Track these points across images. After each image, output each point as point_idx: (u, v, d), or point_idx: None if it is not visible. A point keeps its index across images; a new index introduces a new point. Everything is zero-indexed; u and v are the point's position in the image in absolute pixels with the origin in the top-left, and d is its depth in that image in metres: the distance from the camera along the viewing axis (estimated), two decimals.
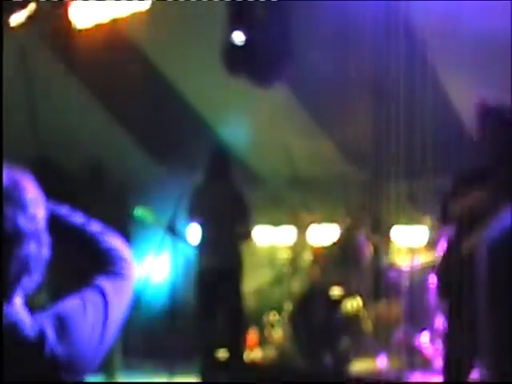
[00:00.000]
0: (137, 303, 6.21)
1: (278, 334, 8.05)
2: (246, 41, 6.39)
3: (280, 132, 8.52)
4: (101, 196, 7.94)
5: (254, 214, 7.14)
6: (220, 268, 6.69)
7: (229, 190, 6.95)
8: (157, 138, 9.36)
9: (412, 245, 7.39)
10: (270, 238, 8.74)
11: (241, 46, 6.42)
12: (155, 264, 6.11)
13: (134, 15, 7.44)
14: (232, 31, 6.46)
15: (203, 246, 6.85)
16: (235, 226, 6.86)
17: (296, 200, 8.73)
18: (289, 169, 8.45)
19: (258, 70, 6.48)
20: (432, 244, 7.59)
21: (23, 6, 7.68)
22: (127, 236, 7.96)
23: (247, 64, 6.45)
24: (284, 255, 8.42)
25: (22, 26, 7.79)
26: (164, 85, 8.53)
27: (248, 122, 8.47)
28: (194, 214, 6.85)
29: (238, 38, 6.46)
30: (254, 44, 6.38)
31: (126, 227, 7.92)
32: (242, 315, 6.90)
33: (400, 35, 7.01)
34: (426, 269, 7.56)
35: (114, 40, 7.89)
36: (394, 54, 7.16)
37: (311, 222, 8.22)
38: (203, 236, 6.87)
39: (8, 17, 7.70)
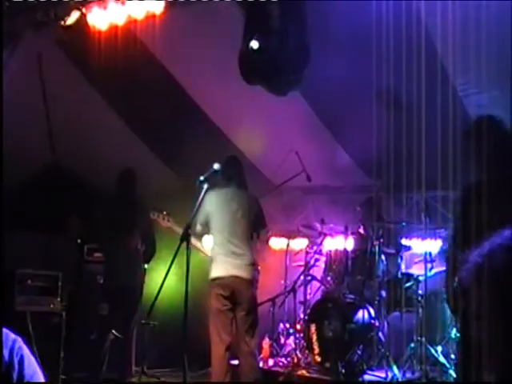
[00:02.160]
0: (151, 311, 6.25)
1: (291, 343, 8.05)
2: (263, 48, 6.39)
3: (295, 140, 8.53)
4: (127, 203, 8.00)
5: (268, 221, 7.13)
6: (235, 275, 6.69)
7: (245, 198, 6.97)
8: (171, 146, 9.38)
9: (427, 255, 7.35)
10: (285, 247, 8.71)
11: (257, 54, 6.42)
12: (172, 270, 6.07)
13: (148, 19, 7.43)
14: (249, 39, 6.47)
15: (217, 252, 6.84)
16: (251, 234, 6.88)
17: (310, 209, 8.74)
18: (303, 177, 8.42)
19: (274, 78, 6.48)
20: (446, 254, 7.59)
21: (38, 9, 7.70)
22: (150, 241, 8.03)
23: (263, 72, 6.45)
24: (298, 264, 8.42)
25: (37, 29, 7.79)
26: (180, 92, 8.55)
27: (263, 129, 8.51)
28: (210, 220, 6.87)
29: (255, 45, 6.46)
30: (271, 52, 6.38)
31: (148, 233, 8.00)
32: (256, 324, 6.87)
33: (416, 44, 7.02)
34: (442, 279, 7.55)
35: (129, 44, 7.89)
36: (410, 63, 7.17)
37: (325, 232, 8.19)
38: (218, 242, 6.87)
39: (23, 20, 7.72)
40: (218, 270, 6.79)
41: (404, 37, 6.93)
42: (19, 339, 1.85)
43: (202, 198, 6.12)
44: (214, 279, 6.79)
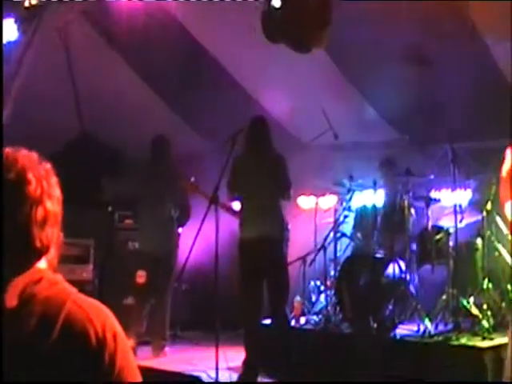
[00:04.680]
0: (182, 274, 6.31)
1: (322, 301, 8.07)
2: (284, 6, 6.35)
3: (321, 98, 8.47)
4: (159, 169, 8.06)
5: (296, 180, 7.12)
6: (264, 237, 6.71)
7: (271, 159, 6.96)
8: (196, 110, 9.38)
9: (457, 207, 7.27)
10: (314, 205, 8.70)
11: (279, 11, 6.38)
12: (201, 234, 6.12)
13: None
14: None
15: (246, 216, 6.87)
16: (278, 195, 6.88)
17: (337, 166, 8.69)
18: (330, 135, 8.37)
19: (297, 35, 6.44)
20: (477, 205, 7.52)
21: None
22: (183, 207, 8.09)
23: (285, 29, 6.41)
24: (328, 220, 8.40)
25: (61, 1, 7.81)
26: (203, 55, 8.52)
27: (289, 87, 8.46)
28: (238, 184, 6.89)
29: (277, 3, 6.42)
30: (292, 9, 6.34)
31: (182, 198, 8.06)
32: (287, 284, 6.91)
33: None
34: (472, 230, 7.50)
35: (153, 11, 7.87)
36: (437, 16, 7.05)
37: (354, 188, 8.15)
38: (245, 208, 6.90)
39: None
40: (247, 232, 6.82)
41: None
42: (111, 314, 1.85)
43: (229, 158, 6.15)
44: (244, 241, 6.82)
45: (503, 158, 4.94)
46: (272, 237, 6.75)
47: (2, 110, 7.13)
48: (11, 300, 1.71)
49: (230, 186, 6.90)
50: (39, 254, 1.82)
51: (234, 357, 6.61)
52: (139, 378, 1.82)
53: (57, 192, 1.88)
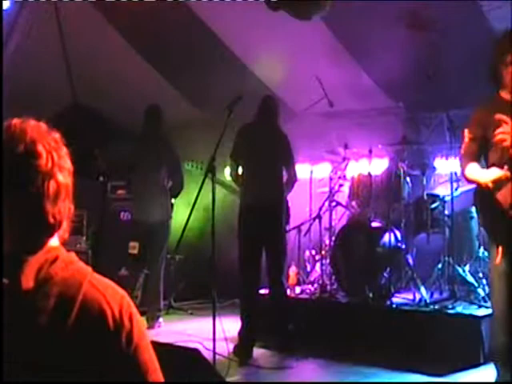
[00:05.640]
0: (178, 245, 6.27)
1: (317, 270, 8.05)
2: None
3: (317, 66, 8.38)
4: (153, 139, 7.99)
5: (292, 149, 7.11)
6: (267, 204, 6.72)
7: (274, 131, 6.98)
8: (192, 80, 9.28)
9: (452, 175, 7.24)
10: (308, 174, 8.64)
11: None
12: (197, 204, 6.07)
13: None
14: None
15: (247, 185, 6.86)
16: (281, 166, 6.91)
17: (332, 134, 8.63)
18: (325, 103, 8.30)
19: (299, 2, 6.36)
20: None
21: None
22: (177, 177, 8.04)
23: None
24: (323, 189, 8.36)
25: None
26: (196, 23, 8.41)
27: (284, 56, 8.37)
28: (241, 153, 6.86)
29: None
30: None
31: (175, 168, 8.02)
32: (285, 252, 6.90)
33: None
34: (467, 198, 7.46)
35: None
36: None
37: (349, 157, 8.09)
38: (247, 175, 6.89)
39: None
40: (249, 198, 6.80)
41: None
42: (126, 295, 1.81)
43: (226, 127, 6.09)
44: (245, 207, 6.80)
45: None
46: (274, 205, 6.79)
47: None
48: (27, 281, 1.67)
49: (234, 152, 6.92)
50: (52, 230, 1.77)
51: (230, 326, 6.60)
52: (153, 355, 1.81)
53: (67, 163, 1.80)
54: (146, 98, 8.52)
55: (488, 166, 4.55)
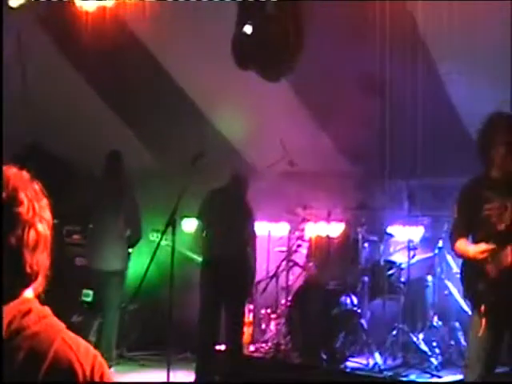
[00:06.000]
0: (136, 295, 6.23)
1: (272, 329, 8.05)
2: (256, 33, 6.34)
3: (279, 125, 8.50)
4: (113, 186, 7.92)
5: (251, 206, 7.18)
6: (224, 261, 6.71)
7: (242, 203, 7.13)
8: (155, 131, 9.30)
9: (410, 242, 7.40)
10: (267, 231, 8.70)
11: (251, 39, 6.37)
12: (154, 256, 6.07)
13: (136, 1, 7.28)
14: (242, 24, 6.40)
15: (208, 241, 6.87)
16: (240, 225, 6.97)
17: (292, 194, 8.71)
18: (285, 162, 8.40)
19: (268, 64, 6.44)
20: (429, 242, 7.65)
21: None
22: (136, 226, 7.98)
23: (257, 57, 6.40)
24: (281, 248, 8.41)
25: (20, 8, 7.63)
26: (163, 76, 8.46)
27: (246, 113, 8.46)
28: (207, 215, 6.95)
29: (248, 30, 6.40)
30: (264, 36, 6.33)
31: (134, 217, 7.95)
32: (243, 309, 6.92)
33: (401, 32, 7.01)
34: (424, 267, 7.62)
35: (114, 27, 7.77)
36: (395, 53, 7.17)
37: (308, 218, 8.18)
38: (209, 232, 6.90)
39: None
40: (213, 255, 6.81)
41: (388, 24, 6.94)
42: (99, 355, 1.78)
43: (188, 183, 6.12)
44: (208, 263, 6.81)
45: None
46: (237, 261, 6.78)
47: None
48: None
49: (203, 215, 6.98)
50: (28, 280, 1.73)
51: (182, 380, 6.54)
52: None
53: (48, 215, 1.78)
54: (108, 144, 8.50)
55: (476, 242, 4.69)
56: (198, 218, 6.99)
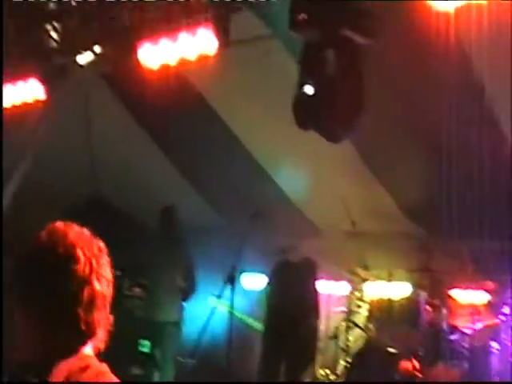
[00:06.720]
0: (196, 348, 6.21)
1: None
2: (318, 94, 6.35)
3: (340, 184, 8.47)
4: (169, 240, 8.01)
5: (311, 264, 7.19)
6: (289, 316, 6.73)
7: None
8: (216, 187, 9.36)
9: (474, 307, 7.21)
10: (327, 291, 8.62)
11: (312, 99, 6.38)
12: (215, 310, 6.07)
13: (201, 60, 7.39)
14: (303, 84, 6.43)
15: (272, 296, 6.90)
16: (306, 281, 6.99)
17: (353, 254, 8.63)
18: (347, 222, 8.34)
19: (329, 124, 6.44)
20: (494, 307, 7.44)
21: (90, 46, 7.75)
22: (191, 279, 8.02)
23: (318, 118, 6.40)
24: (341, 310, 8.30)
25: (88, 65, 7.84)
26: (225, 133, 8.54)
27: (308, 172, 8.46)
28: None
29: (309, 91, 6.42)
30: (327, 97, 6.34)
31: (190, 270, 7.99)
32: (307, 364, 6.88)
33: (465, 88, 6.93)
34: (488, 332, 7.39)
35: (179, 84, 7.89)
36: (461, 110, 7.08)
37: (368, 278, 8.08)
38: (272, 287, 6.95)
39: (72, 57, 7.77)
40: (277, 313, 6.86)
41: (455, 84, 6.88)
42: None
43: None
44: (273, 321, 6.85)
45: None
46: (299, 314, 6.79)
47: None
48: None
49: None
50: (85, 337, 1.74)
51: None
52: None
53: (107, 272, 1.79)
54: (166, 197, 8.62)
55: None
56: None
